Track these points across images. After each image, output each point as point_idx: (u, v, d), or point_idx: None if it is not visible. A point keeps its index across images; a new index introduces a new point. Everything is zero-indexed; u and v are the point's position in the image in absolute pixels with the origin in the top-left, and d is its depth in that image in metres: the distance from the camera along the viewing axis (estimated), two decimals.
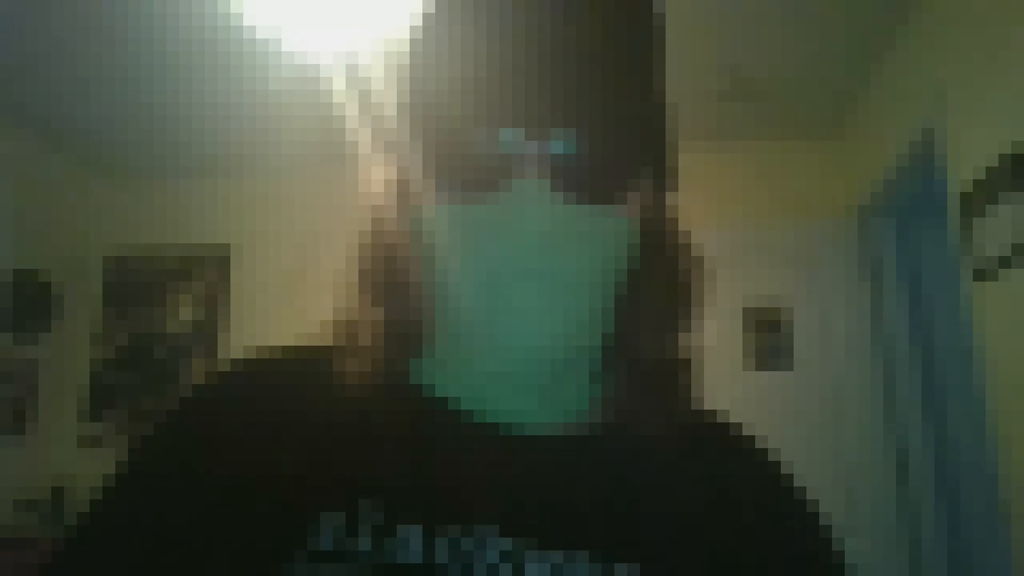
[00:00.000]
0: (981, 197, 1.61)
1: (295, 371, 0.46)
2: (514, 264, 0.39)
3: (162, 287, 2.97)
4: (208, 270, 2.96)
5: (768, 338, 2.48)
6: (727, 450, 0.49)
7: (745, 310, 2.50)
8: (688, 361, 0.49)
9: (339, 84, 2.00)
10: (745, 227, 2.56)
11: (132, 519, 0.40)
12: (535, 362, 0.41)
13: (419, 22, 0.42)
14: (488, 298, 0.40)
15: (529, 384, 0.43)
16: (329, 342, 0.47)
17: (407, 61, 0.43)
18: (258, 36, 2.02)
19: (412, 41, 0.43)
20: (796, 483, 0.49)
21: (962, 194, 1.71)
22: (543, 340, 0.40)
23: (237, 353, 0.50)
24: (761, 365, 2.46)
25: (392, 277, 0.47)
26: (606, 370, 0.48)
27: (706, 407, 0.51)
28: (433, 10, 0.42)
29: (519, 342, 0.40)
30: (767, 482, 0.48)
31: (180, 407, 0.45)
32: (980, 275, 1.64)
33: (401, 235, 0.46)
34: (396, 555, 0.37)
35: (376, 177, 0.48)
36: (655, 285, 0.47)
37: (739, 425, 0.52)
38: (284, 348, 0.50)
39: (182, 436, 0.43)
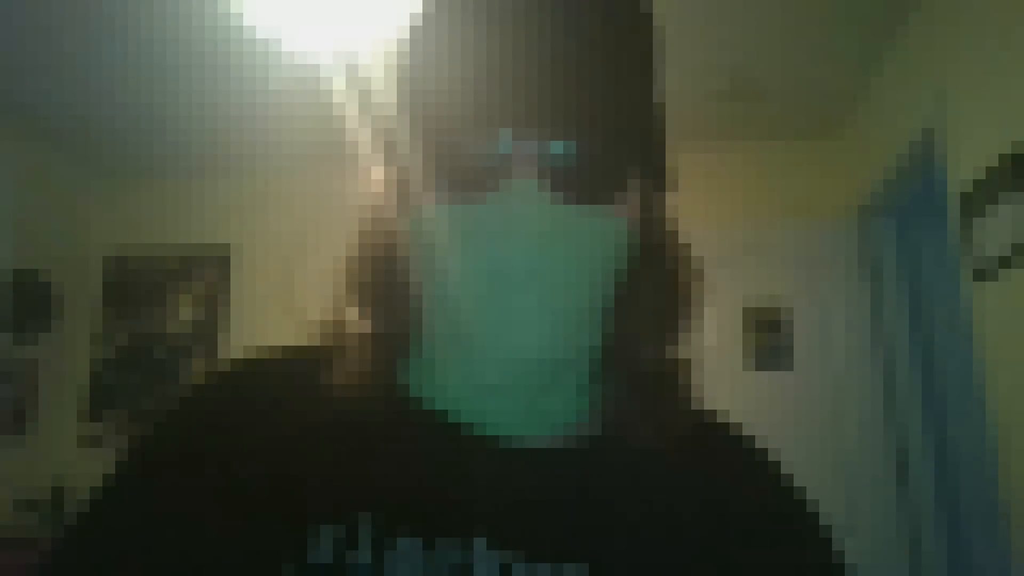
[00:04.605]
0: (981, 197, 1.61)
1: (294, 371, 0.46)
2: (510, 265, 0.39)
3: (162, 287, 2.97)
4: (208, 270, 2.96)
5: (768, 338, 2.48)
6: (725, 452, 0.49)
7: (745, 310, 2.50)
8: (687, 364, 0.48)
9: (339, 84, 2.00)
10: (745, 227, 2.57)
11: (129, 519, 0.40)
12: (530, 363, 0.40)
13: (418, 23, 0.42)
14: (483, 299, 0.40)
15: (523, 393, 0.43)
16: (328, 343, 0.47)
17: (406, 61, 0.43)
18: (258, 36, 2.02)
19: (411, 41, 0.43)
20: (796, 483, 0.49)
21: (962, 194, 1.71)
22: (539, 341, 0.39)
23: (237, 353, 0.50)
24: (761, 365, 2.46)
25: (389, 278, 0.47)
26: (604, 373, 0.48)
27: (706, 407, 0.51)
28: (432, 11, 0.42)
29: (514, 343, 0.39)
30: (766, 483, 0.48)
31: (179, 407, 0.45)
32: (980, 275, 1.64)
33: (398, 235, 0.46)
34: (396, 569, 0.37)
35: (375, 177, 0.48)
36: (653, 287, 0.47)
37: (738, 425, 0.51)
38: (284, 348, 0.50)
39: (181, 436, 0.43)
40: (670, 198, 0.49)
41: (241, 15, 1.94)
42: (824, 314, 2.45)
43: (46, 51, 2.15)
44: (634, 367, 0.47)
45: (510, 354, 0.40)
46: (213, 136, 2.71)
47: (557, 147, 0.39)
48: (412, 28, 0.43)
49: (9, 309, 2.58)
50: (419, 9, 0.42)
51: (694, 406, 0.49)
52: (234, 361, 0.48)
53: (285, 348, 0.50)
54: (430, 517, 0.39)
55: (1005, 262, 1.52)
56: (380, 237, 0.47)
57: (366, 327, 0.47)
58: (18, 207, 2.64)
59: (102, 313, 2.98)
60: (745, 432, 0.51)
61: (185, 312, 2.94)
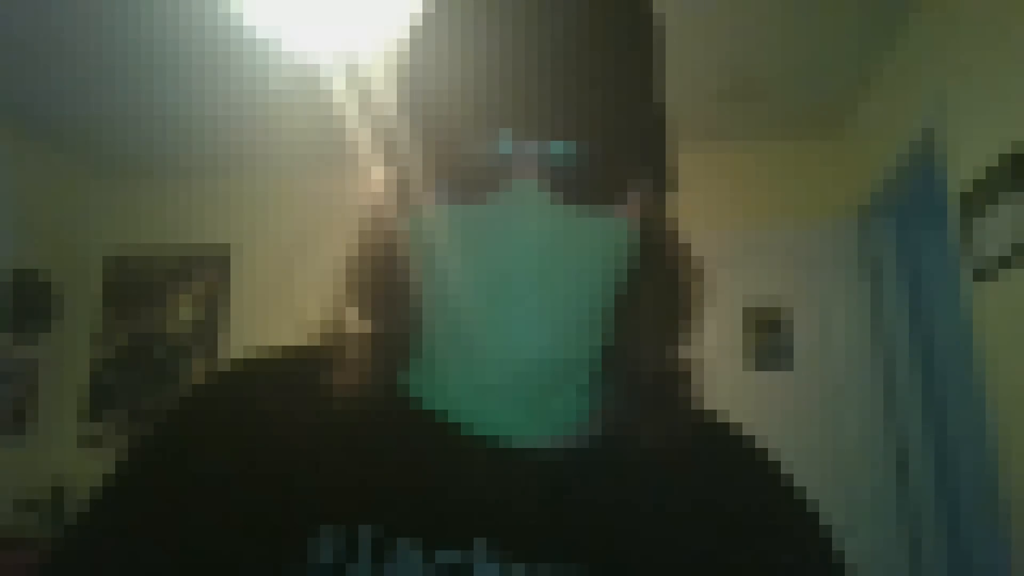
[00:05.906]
0: (981, 197, 1.61)
1: (294, 372, 0.46)
2: (511, 265, 0.39)
3: (162, 287, 2.97)
4: (208, 270, 2.96)
5: (768, 338, 2.48)
6: (726, 452, 0.49)
7: (745, 310, 2.50)
8: (688, 365, 0.48)
9: (339, 84, 2.00)
10: (745, 227, 2.57)
11: (129, 519, 0.40)
12: (531, 364, 0.40)
13: (418, 23, 0.42)
14: (484, 300, 0.40)
15: (524, 394, 0.43)
16: (328, 343, 0.47)
17: (406, 62, 0.43)
18: (258, 36, 2.02)
19: (411, 42, 0.43)
20: (796, 483, 0.49)
21: (962, 194, 1.70)
22: (540, 342, 0.39)
23: (237, 353, 0.50)
24: (761, 365, 2.46)
25: (389, 278, 0.47)
26: (605, 374, 0.48)
27: (706, 407, 0.51)
28: (432, 11, 0.42)
29: (515, 344, 0.39)
30: (766, 483, 0.48)
31: (180, 407, 0.45)
32: (980, 275, 1.64)
33: (398, 236, 0.46)
34: (397, 570, 0.37)
35: (375, 177, 0.48)
36: (654, 288, 0.47)
37: (738, 426, 0.51)
38: (284, 348, 0.50)
39: (181, 437, 0.43)
40: (670, 198, 0.49)
41: (241, 15, 1.94)
42: (824, 314, 2.45)
43: (46, 51, 2.15)
44: (635, 368, 0.47)
45: (511, 355, 0.40)
46: (213, 136, 2.71)
47: (558, 147, 0.39)
48: (412, 28, 0.43)
49: (9, 309, 2.58)
50: (419, 9, 0.42)
51: (695, 407, 0.49)
52: (234, 361, 0.48)
53: (285, 348, 0.50)
54: (431, 518, 0.39)
55: (1005, 262, 1.52)
56: (380, 238, 0.47)
57: (366, 328, 0.46)
58: (18, 207, 2.64)
59: (102, 313, 2.99)
60: (745, 432, 0.51)
61: (185, 312, 2.94)
